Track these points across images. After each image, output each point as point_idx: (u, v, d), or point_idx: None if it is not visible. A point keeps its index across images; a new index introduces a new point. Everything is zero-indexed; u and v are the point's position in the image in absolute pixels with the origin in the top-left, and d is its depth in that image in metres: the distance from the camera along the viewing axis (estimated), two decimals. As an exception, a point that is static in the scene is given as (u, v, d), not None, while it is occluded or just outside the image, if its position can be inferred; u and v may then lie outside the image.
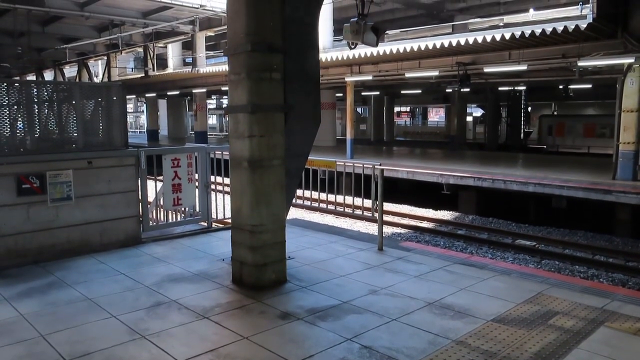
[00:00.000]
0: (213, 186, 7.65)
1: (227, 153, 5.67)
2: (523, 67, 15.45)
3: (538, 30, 12.65)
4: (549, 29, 12.43)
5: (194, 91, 28.40)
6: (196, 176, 7.55)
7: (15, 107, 6.24)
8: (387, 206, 14.87)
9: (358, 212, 7.83)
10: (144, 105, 45.29)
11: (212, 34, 26.05)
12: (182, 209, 7.58)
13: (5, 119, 6.09)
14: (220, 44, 30.60)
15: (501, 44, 14.20)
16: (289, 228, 5.96)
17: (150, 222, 7.30)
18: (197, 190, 7.60)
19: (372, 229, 12.65)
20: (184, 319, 4.50)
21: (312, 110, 5.88)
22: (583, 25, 11.83)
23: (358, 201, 7.96)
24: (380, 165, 6.77)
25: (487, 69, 16.46)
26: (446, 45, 14.15)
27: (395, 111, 43.05)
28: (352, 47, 7.15)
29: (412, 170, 16.74)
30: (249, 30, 5.05)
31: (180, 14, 24.11)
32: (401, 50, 15.38)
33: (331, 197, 8.74)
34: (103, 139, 6.83)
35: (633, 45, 12.60)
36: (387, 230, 13.03)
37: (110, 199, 6.69)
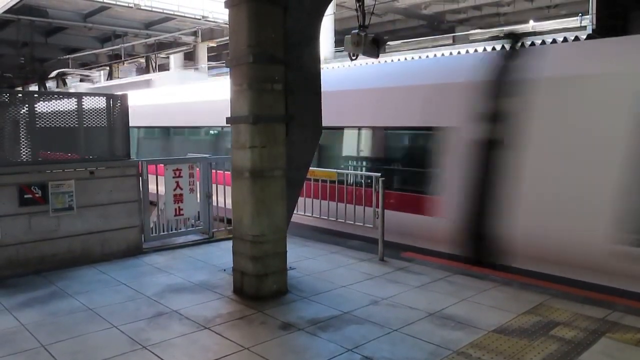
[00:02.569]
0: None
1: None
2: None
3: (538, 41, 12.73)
4: (548, 40, 12.50)
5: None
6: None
7: (18, 117, 6.28)
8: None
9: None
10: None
11: (214, 45, 26.21)
12: (184, 219, 7.59)
13: (8, 129, 6.13)
14: (222, 54, 30.78)
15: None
16: (289, 238, 5.97)
17: (152, 232, 7.30)
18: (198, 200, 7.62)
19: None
20: (185, 329, 4.50)
21: (313, 120, 5.91)
22: (582, 36, 11.92)
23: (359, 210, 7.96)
24: (380, 175, 6.78)
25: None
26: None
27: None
28: (353, 58, 7.20)
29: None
30: (251, 42, 5.10)
31: (182, 24, 24.30)
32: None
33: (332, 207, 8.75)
34: (105, 149, 6.86)
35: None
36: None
37: (112, 209, 6.70)
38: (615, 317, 4.73)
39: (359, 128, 8.81)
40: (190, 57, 27.85)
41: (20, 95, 6.61)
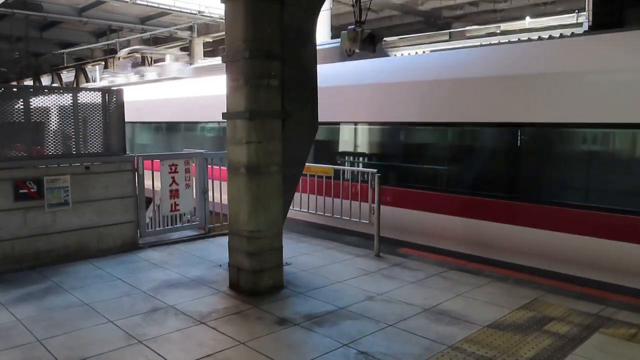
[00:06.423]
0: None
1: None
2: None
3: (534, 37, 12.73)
4: (544, 36, 12.50)
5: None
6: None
7: (13, 112, 6.26)
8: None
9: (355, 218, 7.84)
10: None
11: (210, 40, 26.11)
12: (180, 214, 7.59)
13: (3, 124, 6.11)
14: (218, 49, 30.66)
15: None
16: (286, 234, 5.98)
17: (148, 228, 7.29)
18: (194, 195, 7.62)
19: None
20: (181, 324, 4.50)
21: (310, 116, 5.91)
22: (579, 33, 11.92)
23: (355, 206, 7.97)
24: (377, 172, 6.79)
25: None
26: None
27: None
28: (350, 54, 7.20)
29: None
30: (247, 38, 5.09)
31: (178, 19, 24.19)
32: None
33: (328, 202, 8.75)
34: (101, 144, 6.84)
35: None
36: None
37: (108, 205, 6.69)
38: (608, 312, 4.77)
39: None
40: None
41: (15, 89, 6.55)
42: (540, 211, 6.36)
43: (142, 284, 5.56)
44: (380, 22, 25.46)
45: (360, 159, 8.82)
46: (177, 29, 24.52)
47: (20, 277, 5.78)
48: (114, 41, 26.13)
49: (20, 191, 6.00)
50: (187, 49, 26.50)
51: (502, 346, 4.07)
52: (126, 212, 6.87)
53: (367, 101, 8.29)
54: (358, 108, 8.42)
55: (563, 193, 6.42)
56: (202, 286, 5.51)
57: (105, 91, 6.93)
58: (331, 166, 7.99)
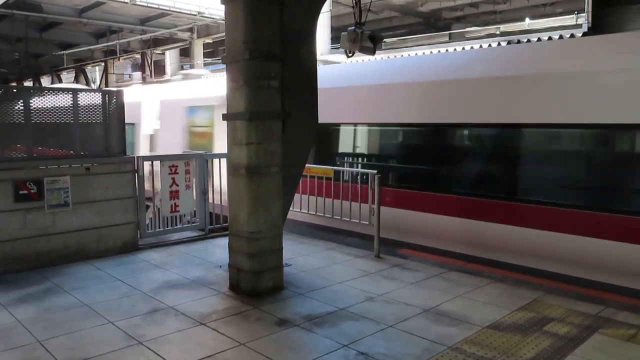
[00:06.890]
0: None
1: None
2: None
3: (533, 39, 12.76)
4: (544, 37, 12.53)
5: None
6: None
7: (13, 112, 6.26)
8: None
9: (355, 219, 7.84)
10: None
11: (210, 41, 26.09)
12: (180, 215, 7.59)
13: (3, 125, 6.11)
14: (217, 51, 30.67)
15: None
16: (286, 235, 5.99)
17: (148, 229, 7.30)
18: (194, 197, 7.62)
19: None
20: (181, 325, 4.51)
21: (310, 117, 5.92)
22: (578, 34, 11.95)
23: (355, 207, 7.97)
24: (377, 172, 6.79)
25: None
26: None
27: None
28: (350, 55, 7.21)
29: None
30: (247, 39, 5.10)
31: (178, 20, 24.18)
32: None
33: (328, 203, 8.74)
34: (101, 145, 6.85)
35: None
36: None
37: (108, 206, 6.69)
38: (608, 313, 4.78)
39: None
40: (186, 54, 27.74)
41: (15, 90, 6.56)
42: None
43: (142, 284, 5.56)
44: (380, 23, 25.48)
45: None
46: (177, 30, 24.52)
47: (20, 278, 5.78)
48: (114, 42, 26.14)
49: (20, 192, 6.00)
50: (187, 50, 26.54)
51: (501, 347, 4.08)
52: (126, 213, 6.87)
53: None
54: None
55: None
56: (202, 287, 5.51)
57: (105, 92, 6.93)
58: (331, 167, 7.99)
